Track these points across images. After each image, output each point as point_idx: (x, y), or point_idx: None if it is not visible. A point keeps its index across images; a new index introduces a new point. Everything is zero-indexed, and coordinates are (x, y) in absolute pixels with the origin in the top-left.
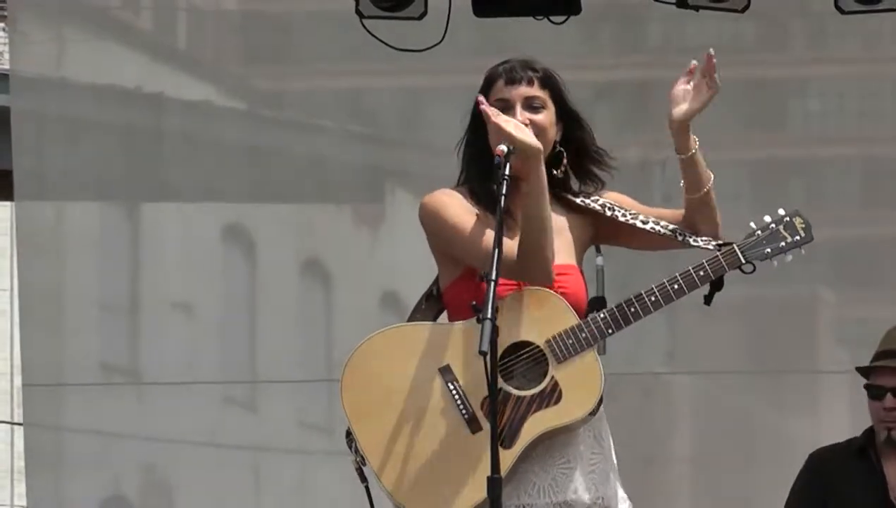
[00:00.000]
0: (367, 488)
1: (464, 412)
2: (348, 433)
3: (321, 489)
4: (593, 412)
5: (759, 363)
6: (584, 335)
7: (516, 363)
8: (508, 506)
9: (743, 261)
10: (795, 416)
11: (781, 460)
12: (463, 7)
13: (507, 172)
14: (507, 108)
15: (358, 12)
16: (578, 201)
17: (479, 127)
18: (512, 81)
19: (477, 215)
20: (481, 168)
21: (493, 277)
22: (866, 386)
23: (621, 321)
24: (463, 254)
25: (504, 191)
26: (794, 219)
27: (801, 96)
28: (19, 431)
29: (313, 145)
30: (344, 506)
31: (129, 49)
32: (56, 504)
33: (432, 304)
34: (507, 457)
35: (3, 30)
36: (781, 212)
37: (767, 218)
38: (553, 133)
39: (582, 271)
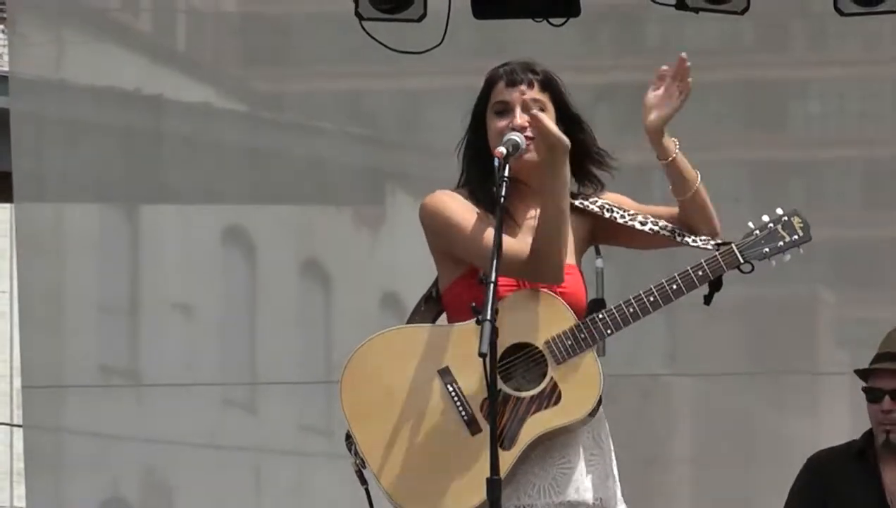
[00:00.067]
0: (367, 490)
1: (463, 413)
2: (348, 436)
3: (320, 490)
4: (592, 413)
5: (758, 365)
6: (582, 335)
7: (515, 365)
8: (508, 507)
9: (741, 261)
10: (795, 417)
11: (781, 461)
12: (462, 9)
13: (506, 173)
14: (507, 110)
15: (357, 14)
16: (577, 202)
17: (479, 128)
18: (512, 84)
19: (478, 214)
20: (481, 169)
21: (493, 278)
22: (864, 389)
23: (620, 322)
24: (465, 253)
25: (504, 192)
26: (792, 218)
27: (801, 98)
28: (19, 433)
29: (313, 147)
30: (342, 507)
31: (129, 51)
32: (55, 505)
33: (431, 306)
34: (507, 458)
35: (3, 32)
36: (780, 212)
37: (766, 218)
38: None
39: (581, 273)
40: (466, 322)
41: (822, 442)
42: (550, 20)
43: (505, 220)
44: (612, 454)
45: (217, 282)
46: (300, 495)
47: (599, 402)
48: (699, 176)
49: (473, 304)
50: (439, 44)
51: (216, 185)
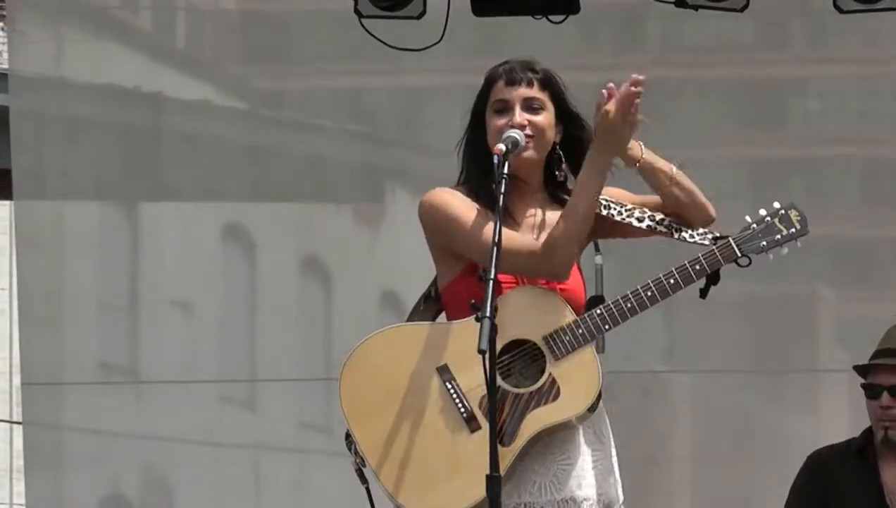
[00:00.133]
0: (367, 489)
1: (462, 410)
2: (347, 436)
3: (319, 488)
4: (592, 409)
5: (758, 362)
6: (581, 331)
7: (514, 361)
8: (509, 504)
9: (739, 254)
10: (795, 414)
11: (781, 458)
12: (462, 6)
13: (505, 170)
14: (506, 109)
15: (357, 12)
16: None
17: (478, 127)
18: (512, 82)
19: (478, 210)
20: (481, 168)
21: (492, 275)
22: (863, 385)
23: (618, 317)
24: (465, 248)
25: (503, 189)
26: (789, 212)
27: (800, 96)
28: (18, 430)
29: (312, 145)
30: (342, 505)
31: (128, 49)
32: (55, 502)
33: (431, 305)
34: (507, 455)
35: (2, 29)
36: (777, 205)
37: (763, 211)
38: (552, 134)
39: (580, 270)
40: (465, 320)
41: (821, 440)
42: (550, 18)
43: (504, 218)
44: (613, 449)
45: (216, 279)
46: (300, 492)
47: (599, 397)
48: (673, 167)
49: (473, 301)
50: (439, 41)
51: (216, 182)
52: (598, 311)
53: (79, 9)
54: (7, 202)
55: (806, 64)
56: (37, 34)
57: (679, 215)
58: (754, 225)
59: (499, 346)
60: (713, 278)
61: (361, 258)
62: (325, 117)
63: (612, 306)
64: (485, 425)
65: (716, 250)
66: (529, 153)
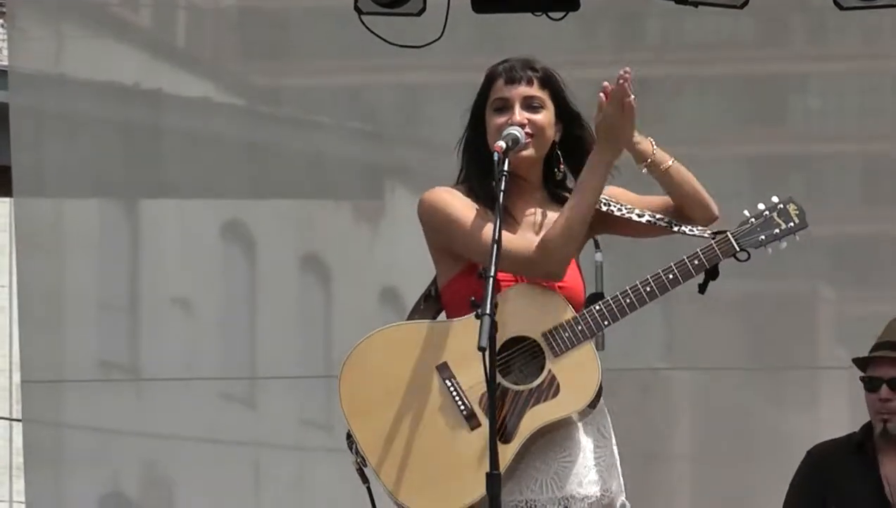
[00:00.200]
0: (368, 488)
1: (462, 408)
2: (349, 435)
3: (320, 485)
4: (592, 405)
5: (758, 360)
6: (580, 327)
7: (514, 358)
8: (510, 502)
9: (737, 249)
10: (794, 412)
11: (780, 456)
12: (461, 3)
13: (505, 168)
14: (506, 107)
15: (356, 8)
16: None
17: (478, 125)
18: (511, 81)
19: (477, 210)
20: (480, 167)
21: (491, 273)
22: (862, 378)
23: (617, 313)
24: (464, 248)
25: (503, 187)
26: (787, 206)
27: (800, 92)
28: (18, 427)
29: (312, 142)
30: (342, 503)
31: (128, 46)
32: (55, 500)
33: (431, 304)
34: (507, 452)
35: (2, 26)
36: (775, 199)
37: (761, 205)
38: (552, 133)
39: (580, 268)
40: (464, 317)
41: (821, 437)
42: (550, 14)
43: (504, 216)
44: (615, 446)
45: (216, 277)
46: (300, 490)
47: (599, 393)
48: (671, 159)
49: (472, 298)
50: (439, 38)
51: (216, 180)
52: (598, 307)
53: (79, 6)
54: (7, 199)
55: (806, 61)
56: (37, 31)
57: (683, 213)
58: (752, 219)
59: (498, 343)
60: (712, 274)
61: (361, 255)
62: (325, 114)
63: (611, 302)
64: (485, 422)
65: (714, 245)
66: (529, 151)
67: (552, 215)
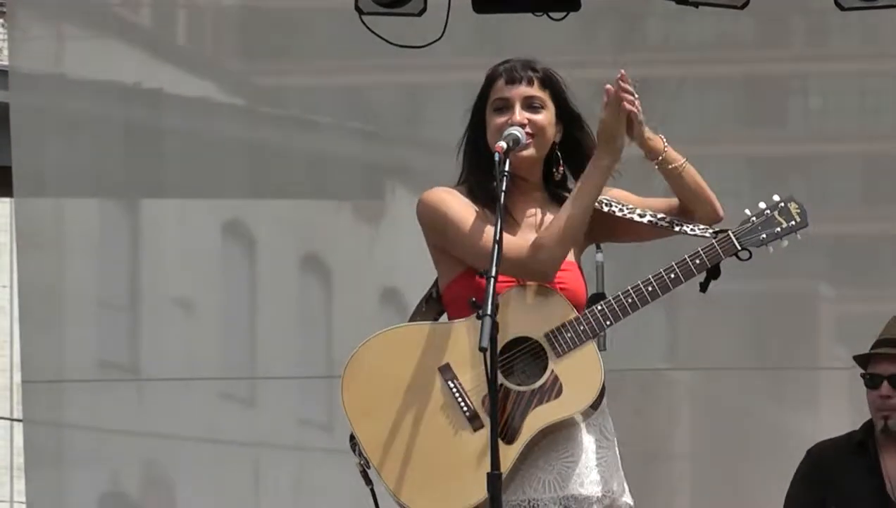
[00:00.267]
0: (372, 490)
1: (465, 409)
2: (352, 437)
3: (320, 485)
4: (595, 405)
5: (759, 360)
6: (582, 328)
7: (516, 359)
8: (513, 501)
9: (739, 247)
10: (795, 412)
11: (781, 455)
12: (462, 4)
13: (506, 168)
14: (506, 107)
15: (357, 9)
16: None
17: (478, 126)
18: (512, 81)
19: (476, 212)
20: (481, 167)
21: (493, 273)
22: (863, 375)
23: (619, 313)
24: (462, 251)
25: (504, 187)
26: (788, 204)
27: (801, 93)
28: (19, 427)
29: (313, 142)
30: (342, 503)
31: (129, 45)
32: (55, 500)
33: (432, 306)
34: (510, 453)
35: (3, 26)
36: (776, 198)
37: (762, 204)
38: (552, 133)
39: (581, 269)
40: (466, 319)
41: (821, 437)
42: (550, 15)
43: (504, 216)
44: (617, 446)
45: (217, 277)
46: (300, 489)
47: (602, 394)
48: (685, 159)
49: (473, 299)
50: (439, 38)
51: (216, 179)
52: (599, 307)
53: (79, 6)
54: (7, 199)
55: (806, 61)
56: (37, 31)
57: (689, 212)
58: (754, 218)
59: (500, 344)
60: (713, 273)
61: (362, 256)
62: (326, 114)
63: (612, 301)
64: (487, 423)
65: (715, 244)
66: (530, 152)
67: (552, 216)
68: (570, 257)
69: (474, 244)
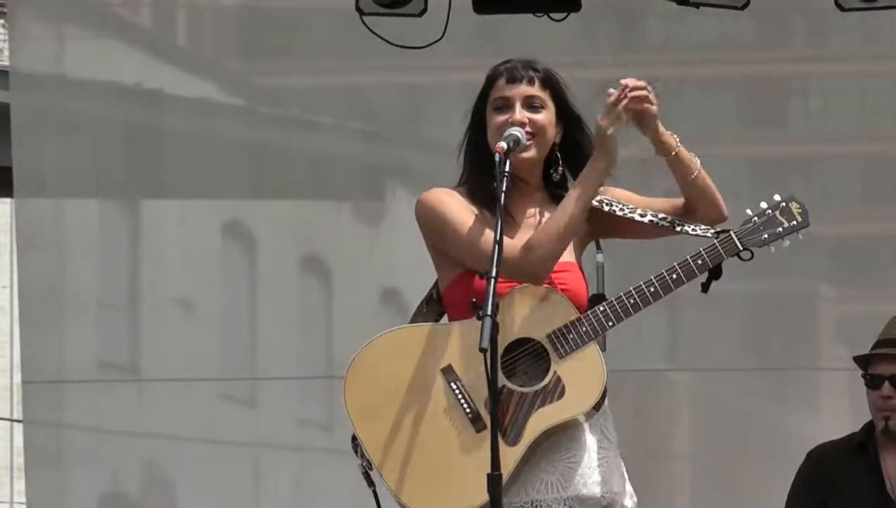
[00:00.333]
0: (374, 492)
1: (467, 410)
2: (354, 439)
3: (320, 485)
4: (597, 406)
5: (759, 360)
6: (584, 328)
7: (518, 360)
8: (516, 503)
9: (740, 248)
10: (796, 413)
11: (782, 456)
12: (463, 4)
13: (506, 169)
14: (506, 106)
15: (358, 9)
16: None
17: (478, 126)
18: (512, 80)
19: (475, 214)
20: (481, 166)
21: (493, 274)
22: (864, 376)
23: (621, 313)
24: (460, 253)
25: (504, 187)
26: (790, 204)
27: (801, 94)
28: (19, 428)
29: (313, 142)
30: (342, 503)
31: (129, 46)
32: (56, 500)
33: (433, 307)
34: (512, 454)
35: (3, 26)
36: (777, 198)
37: (763, 204)
38: (552, 133)
39: (582, 269)
40: (467, 320)
41: (821, 438)
42: (551, 15)
43: (504, 217)
44: (618, 447)
45: (217, 277)
46: (300, 490)
47: (604, 394)
48: (699, 161)
49: (473, 299)
50: (440, 39)
51: (216, 180)
52: (602, 308)
53: (79, 6)
54: (7, 200)
55: (807, 62)
56: (37, 31)
57: (693, 211)
58: (755, 218)
59: (502, 345)
60: (715, 273)
61: (362, 256)
62: (326, 115)
63: (615, 302)
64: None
65: (717, 244)
66: (530, 153)
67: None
68: (571, 257)
69: (472, 246)
